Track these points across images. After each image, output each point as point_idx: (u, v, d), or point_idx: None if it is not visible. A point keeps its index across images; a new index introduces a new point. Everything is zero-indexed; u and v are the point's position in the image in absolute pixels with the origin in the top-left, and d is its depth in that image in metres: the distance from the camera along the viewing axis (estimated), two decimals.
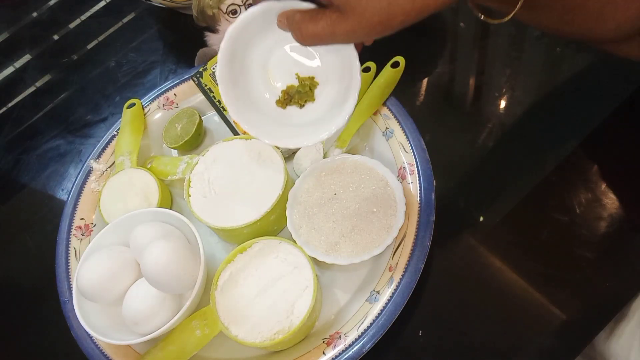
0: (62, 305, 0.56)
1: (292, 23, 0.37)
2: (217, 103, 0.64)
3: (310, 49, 0.43)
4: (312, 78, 0.44)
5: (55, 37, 0.93)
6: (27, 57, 0.91)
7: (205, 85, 0.65)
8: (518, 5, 0.40)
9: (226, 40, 0.40)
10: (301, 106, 0.44)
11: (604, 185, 0.53)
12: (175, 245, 0.50)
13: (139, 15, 0.89)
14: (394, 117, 0.58)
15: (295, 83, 0.44)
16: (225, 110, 0.63)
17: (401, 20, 0.35)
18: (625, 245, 0.50)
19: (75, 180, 0.64)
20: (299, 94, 0.44)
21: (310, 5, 0.37)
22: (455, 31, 0.70)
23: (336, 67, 0.42)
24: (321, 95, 0.44)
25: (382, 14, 0.34)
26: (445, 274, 0.52)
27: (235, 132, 0.63)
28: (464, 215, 0.55)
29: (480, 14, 0.44)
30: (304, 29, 0.36)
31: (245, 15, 0.39)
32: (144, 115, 0.68)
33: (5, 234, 0.71)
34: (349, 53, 0.39)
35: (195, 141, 0.65)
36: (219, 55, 0.41)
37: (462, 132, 0.61)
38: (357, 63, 0.40)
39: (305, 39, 0.37)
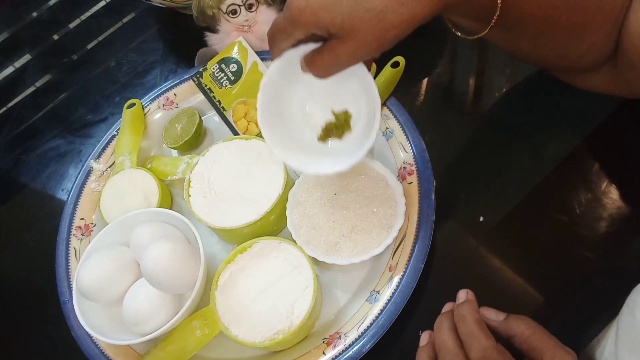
0: (62, 305, 0.56)
1: (306, 63, 0.41)
2: (217, 103, 0.64)
3: (336, 85, 0.45)
4: (346, 112, 0.47)
5: (55, 37, 0.93)
6: (27, 57, 0.91)
7: (205, 85, 0.65)
8: (492, 23, 0.41)
9: (261, 92, 0.45)
10: (340, 137, 0.48)
11: (604, 185, 0.53)
12: (175, 245, 0.50)
13: (139, 15, 0.89)
14: (394, 117, 0.58)
15: (332, 119, 0.47)
16: (226, 111, 0.63)
17: (395, 34, 0.37)
18: (625, 245, 0.50)
19: (75, 180, 0.65)
20: (337, 127, 0.47)
21: (319, 44, 0.41)
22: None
23: (360, 94, 0.45)
24: (357, 124, 0.47)
25: (374, 31, 0.37)
26: (445, 274, 0.52)
27: (235, 132, 0.63)
28: (464, 215, 0.55)
29: (456, 31, 0.46)
30: (313, 63, 0.40)
31: (271, 69, 0.44)
32: (144, 115, 0.68)
33: (5, 234, 0.71)
34: (365, 79, 0.43)
35: (195, 141, 0.65)
36: (258, 105, 0.45)
37: (462, 132, 0.61)
38: (373, 83, 0.42)
39: (318, 72, 0.40)
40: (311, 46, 0.41)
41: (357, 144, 0.46)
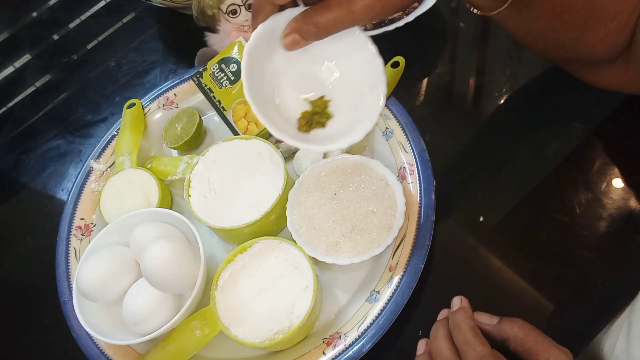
0: (62, 305, 0.56)
1: (301, 23, 0.37)
2: (217, 103, 0.64)
3: (314, 65, 0.43)
4: (322, 97, 0.43)
5: (55, 37, 0.93)
6: (27, 57, 0.91)
7: (205, 85, 0.65)
8: (508, 1, 0.40)
9: (244, 57, 0.39)
10: (323, 125, 0.44)
11: (604, 185, 0.53)
12: (175, 245, 0.50)
13: (139, 15, 0.89)
14: (394, 117, 0.58)
15: (308, 107, 0.44)
16: (226, 111, 0.63)
17: None
18: (625, 245, 0.50)
19: (75, 180, 0.65)
20: (317, 115, 0.44)
21: (304, 7, 0.37)
22: (455, 31, 0.70)
23: (348, 69, 0.42)
24: (338, 108, 0.43)
25: None
26: (445, 274, 0.52)
27: (235, 132, 0.63)
28: (464, 215, 0.55)
29: (472, 9, 0.45)
30: (317, 20, 0.36)
31: (257, 33, 0.39)
32: (144, 115, 0.68)
33: (5, 234, 0.71)
34: (362, 44, 0.39)
35: (195, 141, 0.65)
36: (243, 76, 0.40)
37: (462, 132, 0.61)
38: (374, 48, 0.39)
39: (321, 29, 0.36)
40: (297, 9, 0.38)
41: (353, 122, 0.42)
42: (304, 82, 0.43)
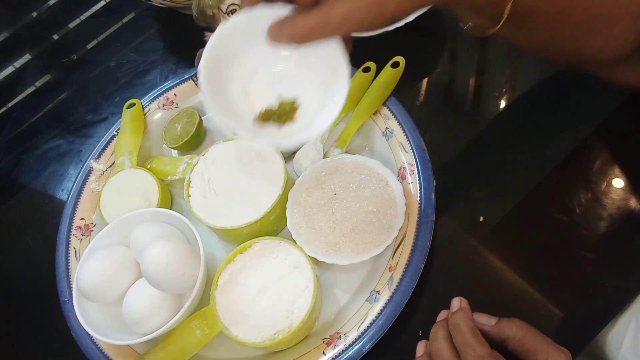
0: (62, 305, 0.56)
1: (283, 24, 0.36)
2: None
3: (295, 69, 0.42)
4: (293, 102, 0.43)
5: (55, 37, 0.93)
6: (27, 57, 0.91)
7: None
8: (504, 17, 0.40)
9: (214, 37, 0.39)
10: (282, 124, 0.44)
11: (604, 185, 0.53)
12: (175, 245, 0.50)
13: (139, 15, 0.89)
14: (394, 117, 0.58)
15: (275, 105, 0.43)
16: None
17: (393, 9, 0.34)
18: (625, 245, 0.50)
19: (75, 180, 0.65)
20: (278, 115, 0.43)
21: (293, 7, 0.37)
22: (455, 31, 0.70)
23: (325, 80, 0.41)
24: (302, 117, 0.43)
25: None
26: (445, 274, 0.52)
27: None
28: (464, 215, 0.55)
29: (468, 31, 0.45)
30: (296, 25, 0.35)
31: (235, 17, 0.39)
32: (144, 115, 0.68)
33: (5, 234, 0.71)
34: (338, 61, 0.39)
35: (195, 141, 0.65)
36: (204, 53, 0.40)
37: (462, 132, 0.61)
38: (346, 70, 0.39)
39: (296, 36, 0.36)
40: (288, 10, 0.37)
41: (304, 126, 0.42)
42: (281, 79, 0.43)
